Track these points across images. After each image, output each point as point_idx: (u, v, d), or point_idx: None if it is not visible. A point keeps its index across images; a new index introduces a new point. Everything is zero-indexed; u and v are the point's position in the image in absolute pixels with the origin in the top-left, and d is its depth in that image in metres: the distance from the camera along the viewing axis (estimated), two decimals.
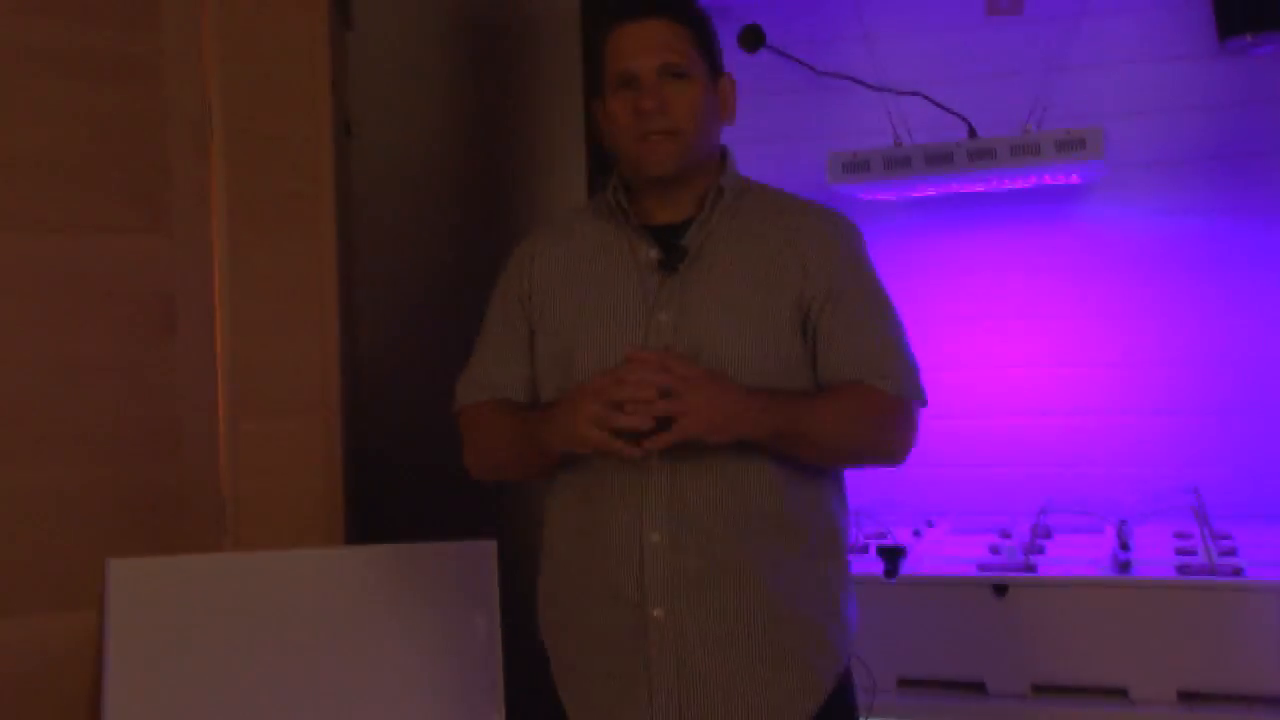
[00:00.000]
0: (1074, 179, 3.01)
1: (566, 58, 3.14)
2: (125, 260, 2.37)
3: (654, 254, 1.92)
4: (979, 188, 3.06)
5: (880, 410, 1.89)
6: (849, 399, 1.87)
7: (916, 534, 3.00)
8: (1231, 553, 2.72)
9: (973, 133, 3.01)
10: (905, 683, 2.67)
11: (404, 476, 3.28)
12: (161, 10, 2.40)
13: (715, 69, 1.96)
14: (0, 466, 2.26)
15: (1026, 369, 3.13)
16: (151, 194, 2.39)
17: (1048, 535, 2.92)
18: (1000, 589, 2.62)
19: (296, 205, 2.49)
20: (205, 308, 2.44)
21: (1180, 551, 2.77)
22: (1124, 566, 2.67)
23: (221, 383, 2.45)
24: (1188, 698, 2.53)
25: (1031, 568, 2.68)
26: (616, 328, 1.90)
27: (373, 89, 3.28)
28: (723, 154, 2.00)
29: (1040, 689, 2.61)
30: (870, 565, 2.70)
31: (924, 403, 1.95)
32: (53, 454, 2.31)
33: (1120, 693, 2.56)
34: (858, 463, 1.98)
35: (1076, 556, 2.77)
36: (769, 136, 3.17)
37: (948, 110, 3.05)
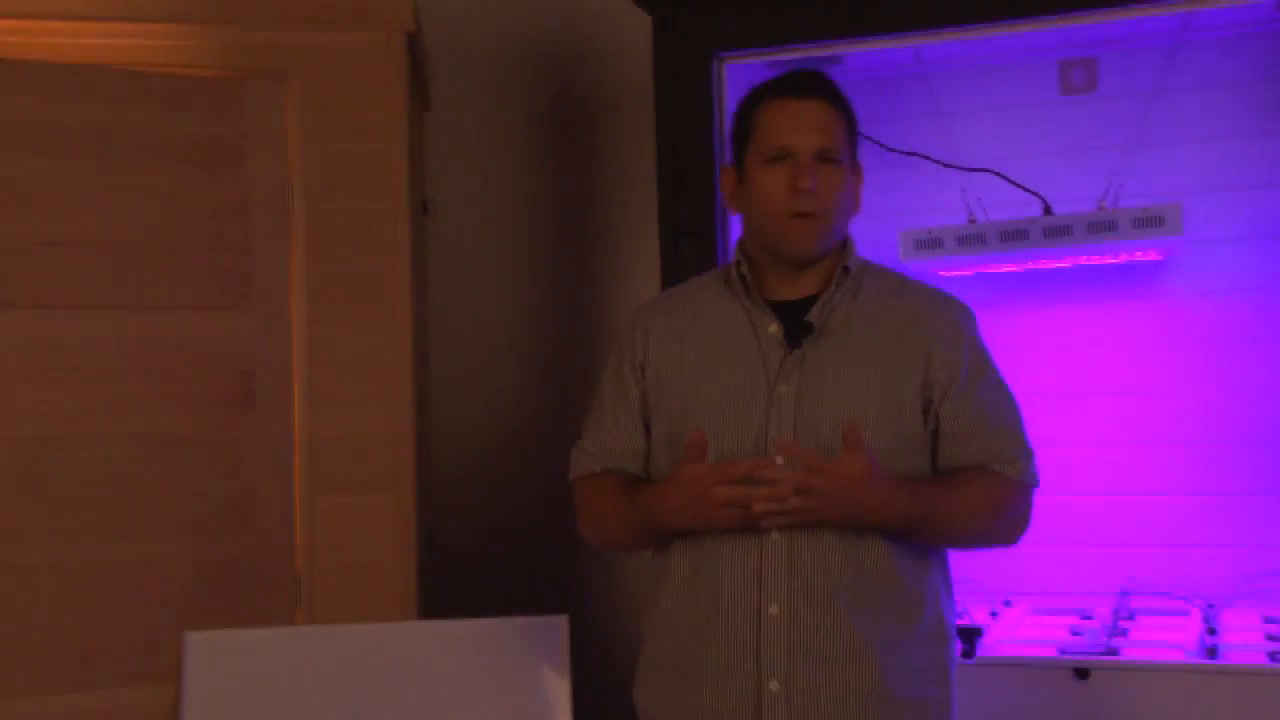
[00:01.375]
0: (1152, 255, 2.98)
1: (641, 138, 3.18)
2: (207, 337, 2.42)
3: (775, 329, 1.94)
4: (1055, 265, 3.04)
5: (1006, 497, 1.94)
6: (978, 486, 1.91)
7: (994, 614, 2.94)
8: None
9: (1048, 210, 2.99)
10: None
11: (477, 551, 3.29)
12: (246, 95, 2.48)
13: (854, 160, 2.01)
14: (83, 540, 2.32)
15: (1105, 448, 3.07)
16: (234, 272, 2.45)
17: (1130, 618, 2.85)
18: (1082, 672, 2.56)
19: (374, 283, 2.54)
20: (283, 384, 2.48)
21: (1271, 637, 2.68)
22: (1211, 651, 2.60)
23: (298, 457, 2.48)
24: None
25: (1114, 651, 2.61)
26: (736, 399, 1.92)
27: (449, 168, 3.34)
28: (844, 238, 2.03)
29: None
30: None
31: (1038, 485, 1.99)
32: (133, 528, 2.35)
33: None
34: (978, 546, 2.03)
35: (1161, 640, 2.69)
36: None
37: (1022, 188, 3.04)
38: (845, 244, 2.02)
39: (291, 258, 2.50)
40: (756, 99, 1.99)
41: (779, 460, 1.81)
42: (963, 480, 1.91)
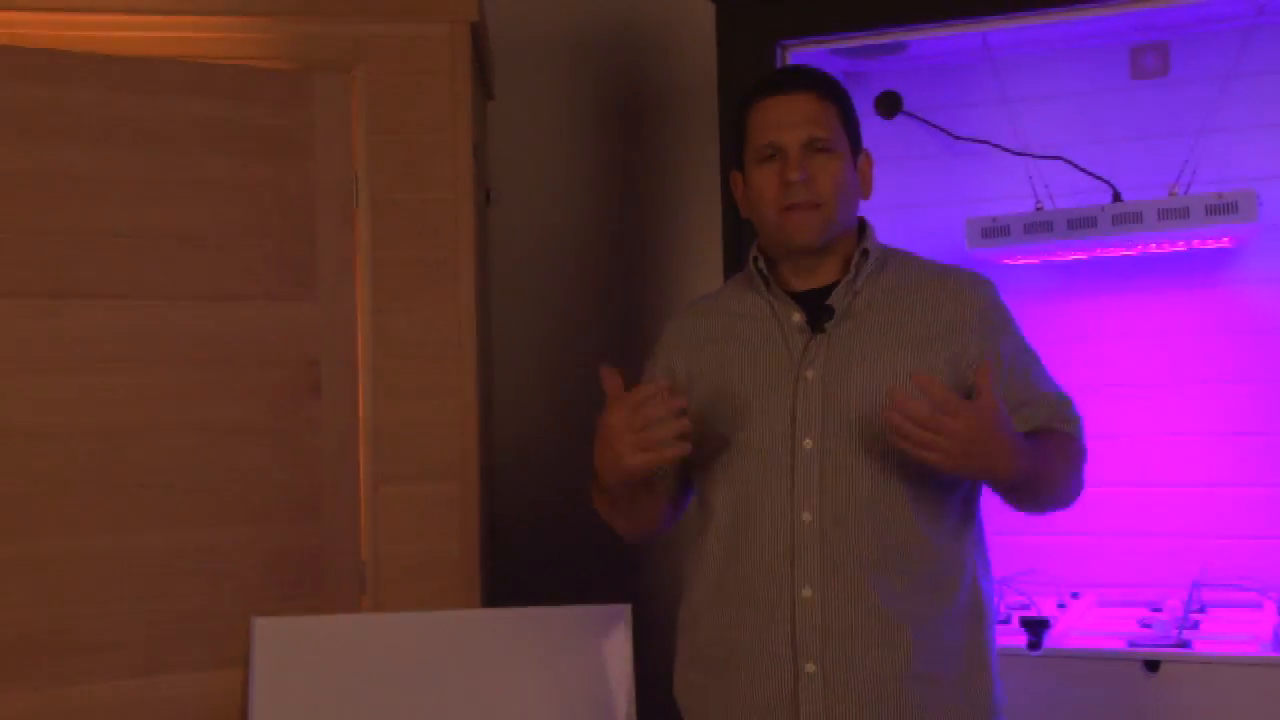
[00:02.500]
0: (1225, 242, 2.93)
1: (704, 128, 3.17)
2: (274, 326, 2.45)
3: (798, 317, 1.95)
4: (1125, 252, 3.00)
5: (1075, 454, 1.97)
6: (1060, 445, 1.94)
7: (1061, 605, 2.91)
8: None
9: (1117, 196, 2.95)
10: None
11: (540, 540, 3.30)
12: (312, 87, 2.50)
13: (856, 145, 2.00)
14: (153, 527, 2.35)
15: (1177, 437, 3.03)
16: (299, 262, 2.48)
17: (1202, 610, 2.81)
18: (1152, 665, 2.53)
19: (437, 272, 2.55)
20: (348, 373, 2.50)
21: None
22: None
23: (363, 446, 2.50)
24: None
25: (1185, 643, 2.58)
26: (763, 387, 1.94)
27: (512, 158, 3.35)
28: (861, 224, 2.04)
29: None
30: (1013, 637, 2.62)
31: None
32: (202, 515, 2.38)
33: None
34: (1052, 507, 1.99)
35: (1234, 633, 2.66)
36: (907, 203, 3.15)
37: (1091, 174, 2.99)
38: (863, 229, 2.02)
39: (356, 248, 2.52)
40: (746, 101, 2.00)
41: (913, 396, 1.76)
42: (1046, 439, 1.91)
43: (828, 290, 1.97)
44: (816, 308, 1.96)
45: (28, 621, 2.25)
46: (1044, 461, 1.87)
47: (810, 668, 1.86)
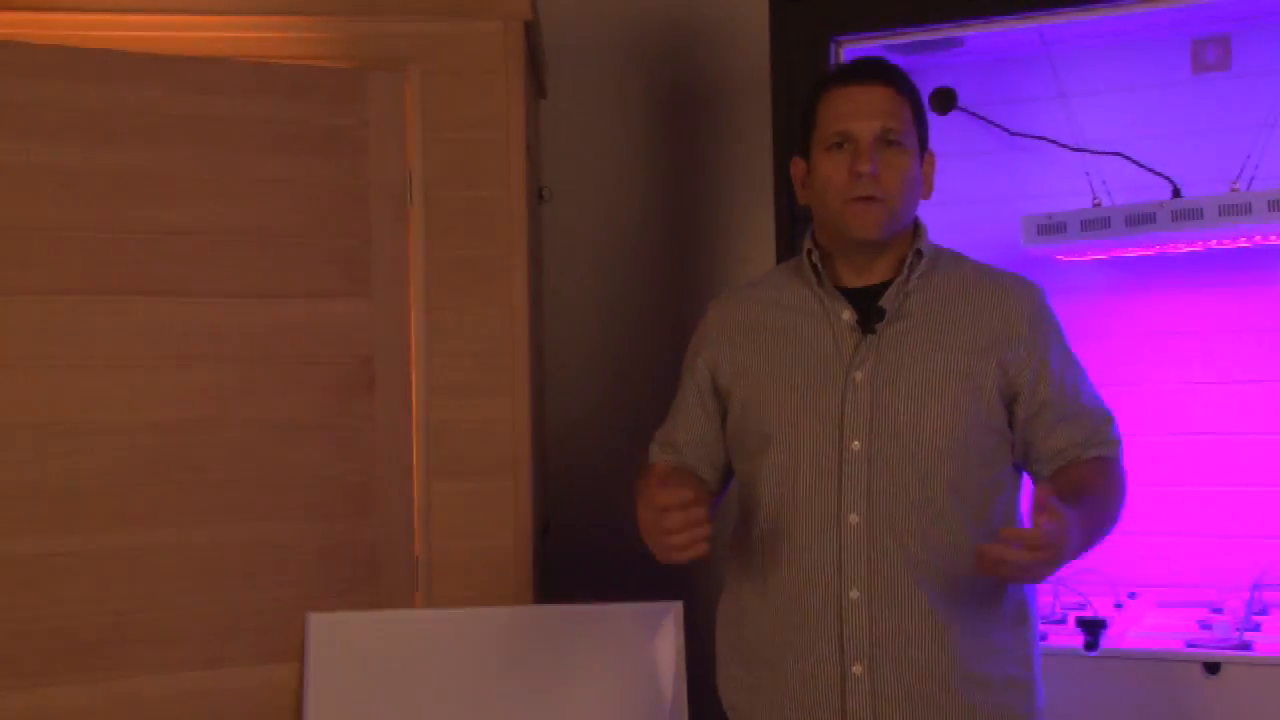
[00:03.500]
0: None
1: (757, 125, 3.16)
2: (328, 323, 2.47)
3: (848, 315, 1.94)
4: (1185, 249, 2.96)
5: (1119, 480, 1.95)
6: (1103, 483, 1.90)
7: (1118, 606, 2.88)
8: None
9: (1177, 192, 2.91)
10: None
11: (592, 537, 3.31)
12: (367, 85, 2.51)
13: (923, 144, 2.00)
14: (210, 522, 2.37)
15: (1238, 437, 2.98)
16: (354, 259, 2.49)
17: (1264, 612, 2.77)
18: (1212, 667, 2.49)
19: (490, 270, 2.56)
20: (402, 369, 2.52)
21: None
22: None
23: (416, 443, 2.52)
24: None
25: (1246, 645, 2.54)
26: (812, 387, 1.94)
27: (565, 155, 3.36)
28: (915, 223, 2.03)
29: None
30: (1069, 638, 2.59)
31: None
32: (258, 511, 2.41)
33: None
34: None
35: None
36: (962, 199, 3.12)
37: (1150, 170, 2.95)
38: (917, 228, 2.01)
39: (410, 245, 2.53)
40: (820, 88, 2.00)
41: None
42: (1092, 484, 1.88)
43: (878, 288, 1.96)
44: (866, 306, 1.95)
45: (86, 615, 2.29)
46: (1096, 524, 1.84)
47: (857, 669, 1.86)
